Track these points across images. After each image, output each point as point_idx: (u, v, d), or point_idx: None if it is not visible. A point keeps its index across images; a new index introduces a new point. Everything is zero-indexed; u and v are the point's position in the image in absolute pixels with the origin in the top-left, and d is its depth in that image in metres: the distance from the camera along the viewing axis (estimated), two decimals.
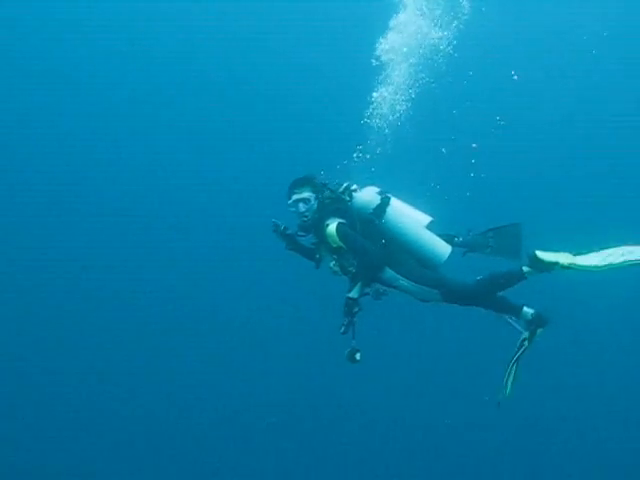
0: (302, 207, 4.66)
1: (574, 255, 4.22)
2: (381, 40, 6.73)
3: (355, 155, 5.41)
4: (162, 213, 11.36)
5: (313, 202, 4.68)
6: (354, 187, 4.70)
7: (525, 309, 4.31)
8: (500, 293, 4.41)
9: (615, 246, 4.19)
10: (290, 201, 4.72)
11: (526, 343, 4.27)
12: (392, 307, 4.63)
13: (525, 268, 4.38)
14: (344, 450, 9.79)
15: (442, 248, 4.61)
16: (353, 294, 4.38)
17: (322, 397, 9.92)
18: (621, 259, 4.10)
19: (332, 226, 4.48)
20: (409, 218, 4.66)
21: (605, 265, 4.12)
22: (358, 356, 4.17)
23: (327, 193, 4.68)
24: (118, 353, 10.28)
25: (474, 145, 7.03)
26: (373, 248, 4.43)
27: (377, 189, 4.68)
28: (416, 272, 4.54)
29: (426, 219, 4.67)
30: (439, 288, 4.44)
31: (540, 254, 4.28)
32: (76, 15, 11.72)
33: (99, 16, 11.74)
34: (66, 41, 11.80)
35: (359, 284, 4.47)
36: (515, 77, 9.38)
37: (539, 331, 4.21)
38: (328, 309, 4.89)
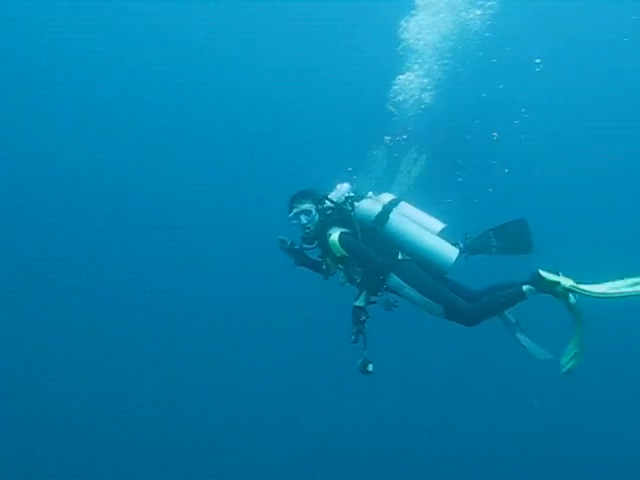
0: (304, 219, 4.74)
1: (577, 282, 4.08)
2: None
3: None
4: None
5: (314, 213, 4.76)
6: (369, 194, 4.78)
7: (525, 288, 4.23)
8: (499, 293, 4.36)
9: (625, 277, 4.03)
10: (291, 214, 4.79)
11: (574, 312, 4.10)
12: (404, 318, 4.57)
13: (525, 287, 4.32)
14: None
15: (448, 253, 4.60)
16: (359, 302, 4.41)
17: (330, 405, 9.82)
18: (630, 289, 3.98)
19: (335, 235, 4.55)
20: (414, 224, 4.70)
21: (612, 293, 4.03)
22: (370, 367, 4.19)
23: (328, 204, 4.75)
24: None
25: (494, 134, 7.07)
26: (377, 256, 4.48)
27: (391, 195, 4.76)
28: (422, 281, 4.55)
29: (439, 225, 4.69)
30: (443, 303, 4.42)
31: (543, 273, 4.21)
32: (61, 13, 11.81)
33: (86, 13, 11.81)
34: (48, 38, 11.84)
35: (365, 292, 4.48)
36: (538, 66, 9.29)
37: (565, 294, 4.00)
38: (337, 321, 4.86)
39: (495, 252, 4.66)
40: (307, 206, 4.76)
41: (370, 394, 9.03)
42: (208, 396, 10.18)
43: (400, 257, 4.58)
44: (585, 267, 4.02)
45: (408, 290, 4.49)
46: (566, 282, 4.04)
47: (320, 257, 4.83)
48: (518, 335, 4.37)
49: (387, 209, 4.72)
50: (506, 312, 4.27)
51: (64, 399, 10.04)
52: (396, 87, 6.51)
